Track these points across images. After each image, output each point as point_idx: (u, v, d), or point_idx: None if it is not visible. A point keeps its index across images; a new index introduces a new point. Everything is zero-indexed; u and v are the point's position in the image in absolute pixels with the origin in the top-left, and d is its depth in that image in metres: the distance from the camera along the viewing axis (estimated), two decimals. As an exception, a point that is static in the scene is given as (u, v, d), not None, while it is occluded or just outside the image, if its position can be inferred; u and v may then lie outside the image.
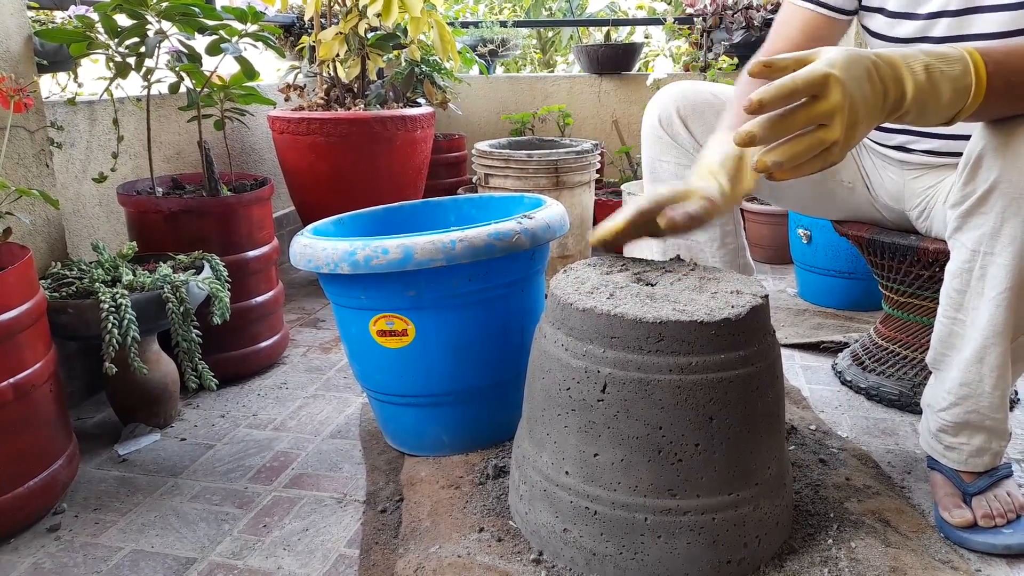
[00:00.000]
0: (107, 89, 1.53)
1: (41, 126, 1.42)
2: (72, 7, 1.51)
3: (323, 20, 2.28)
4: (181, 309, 1.31)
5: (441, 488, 1.18)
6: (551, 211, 1.25)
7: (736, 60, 2.88)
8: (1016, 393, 1.45)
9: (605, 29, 3.44)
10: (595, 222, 2.59)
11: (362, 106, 2.25)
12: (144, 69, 1.52)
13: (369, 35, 2.24)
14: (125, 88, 1.58)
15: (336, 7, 2.25)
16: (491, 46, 3.29)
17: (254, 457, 1.31)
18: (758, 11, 2.70)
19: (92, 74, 1.58)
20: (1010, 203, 0.88)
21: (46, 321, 1.15)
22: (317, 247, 1.15)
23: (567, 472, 0.96)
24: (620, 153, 2.85)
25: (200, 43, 1.57)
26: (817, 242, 1.98)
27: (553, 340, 0.97)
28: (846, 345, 1.70)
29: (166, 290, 1.30)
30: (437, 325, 1.19)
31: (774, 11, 2.70)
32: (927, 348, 1.40)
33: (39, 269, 1.40)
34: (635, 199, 0.99)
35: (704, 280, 1.00)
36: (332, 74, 2.30)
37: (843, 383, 1.55)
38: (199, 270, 1.41)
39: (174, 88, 1.63)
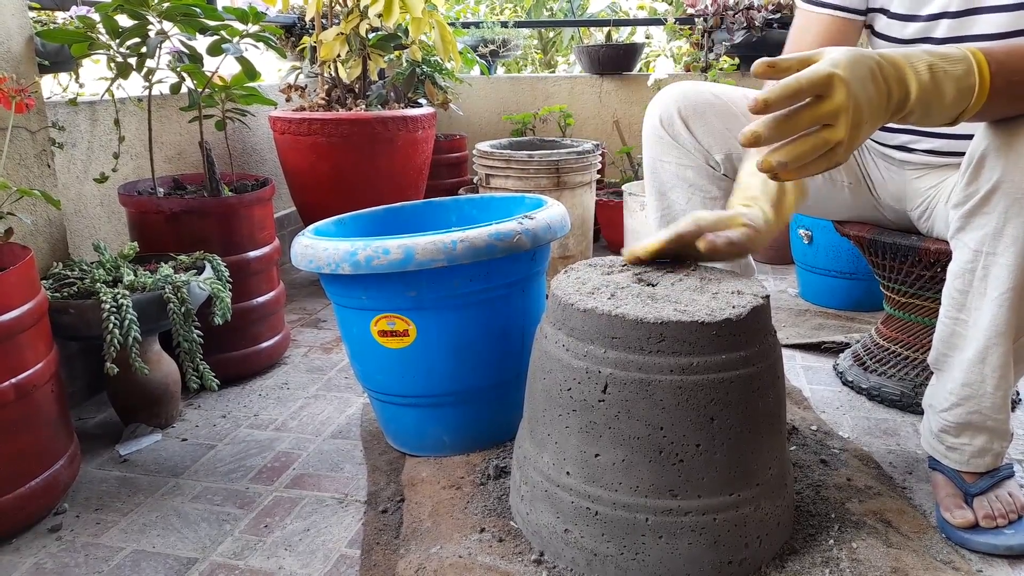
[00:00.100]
0: (108, 89, 1.53)
1: (42, 126, 1.42)
2: (73, 7, 1.52)
3: (324, 20, 2.28)
4: (182, 309, 1.31)
5: (442, 488, 1.18)
6: (552, 211, 1.25)
7: (737, 60, 2.88)
8: (1018, 394, 1.45)
9: (606, 29, 3.44)
10: (596, 223, 2.59)
11: (363, 106, 2.25)
12: (145, 69, 1.52)
13: (370, 35, 2.24)
14: (126, 88, 1.59)
15: (337, 7, 2.25)
16: (492, 46, 3.29)
17: (255, 457, 1.31)
18: (759, 11, 2.70)
19: (93, 74, 1.59)
20: (1012, 203, 0.88)
21: (47, 321, 1.15)
22: (318, 247, 1.15)
23: (568, 472, 0.96)
24: (621, 153, 2.85)
25: (201, 43, 1.57)
26: (818, 242, 1.98)
27: (554, 340, 0.97)
28: (847, 345, 1.70)
29: (167, 290, 1.30)
30: (438, 325, 1.19)
31: (775, 11, 2.70)
32: (928, 348, 1.40)
33: (40, 269, 1.40)
34: (676, 223, 0.97)
35: (705, 281, 1.00)
36: (333, 74, 2.30)
37: (844, 383, 1.55)
38: (200, 270, 1.41)
39: (175, 88, 1.63)
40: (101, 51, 1.46)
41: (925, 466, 1.21)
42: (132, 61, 1.49)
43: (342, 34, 2.16)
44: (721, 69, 2.79)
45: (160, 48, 1.51)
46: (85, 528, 1.12)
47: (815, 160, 0.77)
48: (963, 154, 1.19)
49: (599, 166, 2.28)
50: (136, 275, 1.34)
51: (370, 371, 1.26)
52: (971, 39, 1.10)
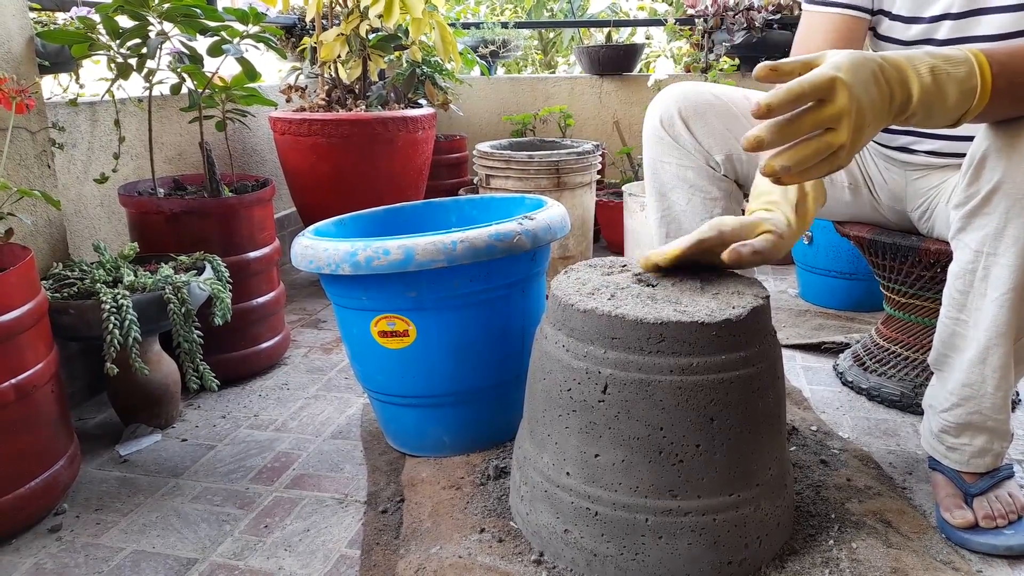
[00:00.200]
0: (109, 90, 1.54)
1: (43, 127, 1.42)
2: (74, 8, 1.52)
3: (324, 21, 2.28)
4: (182, 310, 1.32)
5: (442, 489, 1.18)
6: (552, 212, 1.25)
7: (737, 61, 2.88)
8: (1017, 394, 1.45)
9: (606, 30, 3.44)
10: (596, 223, 2.59)
11: (363, 107, 2.25)
12: (146, 70, 1.52)
13: (370, 36, 2.25)
14: (127, 89, 1.59)
15: (337, 8, 2.25)
16: (492, 47, 3.29)
17: (255, 458, 1.31)
18: (759, 12, 2.70)
19: (94, 75, 1.59)
20: (1014, 204, 0.88)
21: (47, 322, 1.15)
22: (318, 248, 1.15)
23: (568, 473, 0.96)
24: (621, 154, 2.85)
25: (202, 44, 1.58)
26: (818, 243, 1.98)
27: (554, 341, 0.97)
28: (847, 346, 1.70)
29: (167, 291, 1.30)
30: (438, 326, 1.19)
31: (775, 12, 2.70)
32: (928, 349, 1.40)
33: (40, 270, 1.40)
34: (698, 229, 0.95)
35: (705, 281, 1.00)
36: (333, 75, 2.30)
37: (844, 384, 1.55)
38: (200, 271, 1.42)
39: (176, 89, 1.63)
40: (101, 52, 1.46)
41: (925, 466, 1.21)
42: (132, 62, 1.50)
43: (342, 35, 2.16)
44: (721, 70, 2.79)
45: (160, 49, 1.51)
46: (85, 528, 1.12)
47: (818, 164, 0.77)
48: (964, 155, 1.19)
49: (599, 167, 2.28)
50: (136, 275, 1.34)
51: (370, 371, 1.26)
52: (973, 40, 1.10)
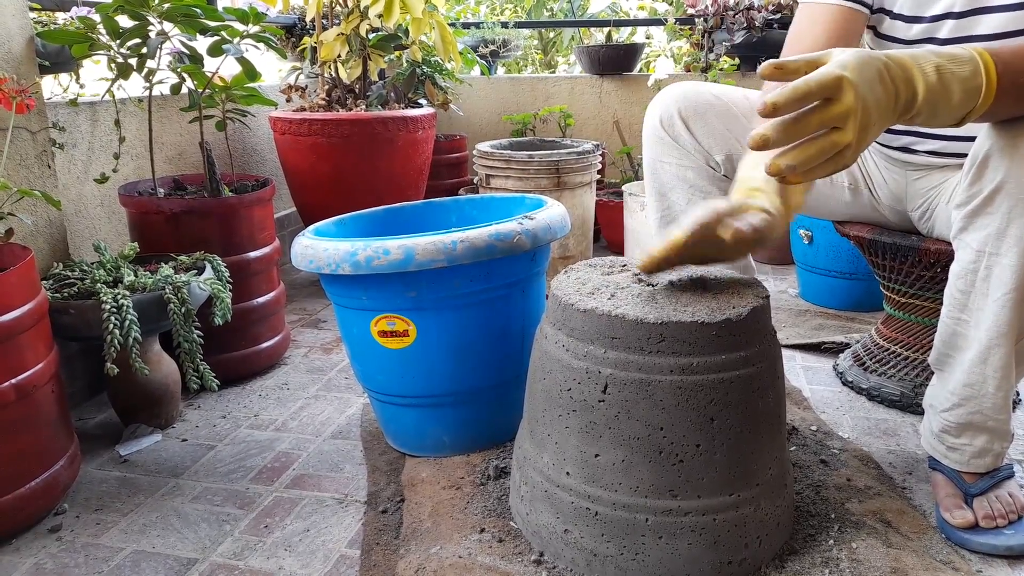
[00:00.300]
0: (109, 90, 1.54)
1: (43, 127, 1.42)
2: (74, 8, 1.52)
3: (324, 21, 2.28)
4: (183, 310, 1.32)
5: (442, 489, 1.18)
6: (552, 212, 1.25)
7: (737, 61, 2.88)
8: (1018, 394, 1.45)
9: (606, 30, 3.44)
10: (596, 223, 2.59)
11: (363, 107, 2.25)
12: (146, 70, 1.52)
13: (370, 36, 2.25)
14: (127, 89, 1.59)
15: (338, 8, 2.25)
16: (492, 47, 3.29)
17: (255, 458, 1.31)
18: (759, 12, 2.70)
19: (94, 75, 1.59)
20: (1016, 204, 0.88)
21: (48, 322, 1.15)
22: (318, 248, 1.15)
23: (568, 473, 0.96)
24: (621, 154, 2.85)
25: (202, 44, 1.58)
26: (818, 243, 1.98)
27: (554, 341, 0.97)
28: (847, 346, 1.70)
29: (167, 291, 1.30)
30: (438, 326, 1.19)
31: (775, 12, 2.70)
32: (928, 349, 1.40)
33: (41, 270, 1.40)
34: (692, 214, 0.87)
35: (705, 281, 1.00)
36: (333, 75, 2.30)
37: (844, 384, 1.55)
38: (200, 271, 1.42)
39: (176, 89, 1.63)
40: (102, 52, 1.46)
41: (925, 466, 1.21)
42: (132, 62, 1.50)
43: (342, 34, 2.16)
44: (721, 69, 2.79)
45: (160, 49, 1.51)
46: (85, 528, 1.12)
47: (823, 163, 0.76)
48: (965, 155, 1.18)
49: (599, 166, 2.28)
50: (136, 275, 1.34)
51: (370, 371, 1.26)
52: (974, 39, 1.09)
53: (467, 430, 1.28)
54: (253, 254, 1.60)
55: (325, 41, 2.16)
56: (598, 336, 0.91)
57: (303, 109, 2.22)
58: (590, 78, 3.06)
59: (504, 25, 3.41)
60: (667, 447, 0.90)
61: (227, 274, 1.45)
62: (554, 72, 5.07)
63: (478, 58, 3.10)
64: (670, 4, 3.35)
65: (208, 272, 1.42)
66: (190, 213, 1.52)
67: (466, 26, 3.40)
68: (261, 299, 1.63)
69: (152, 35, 1.48)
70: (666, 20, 3.04)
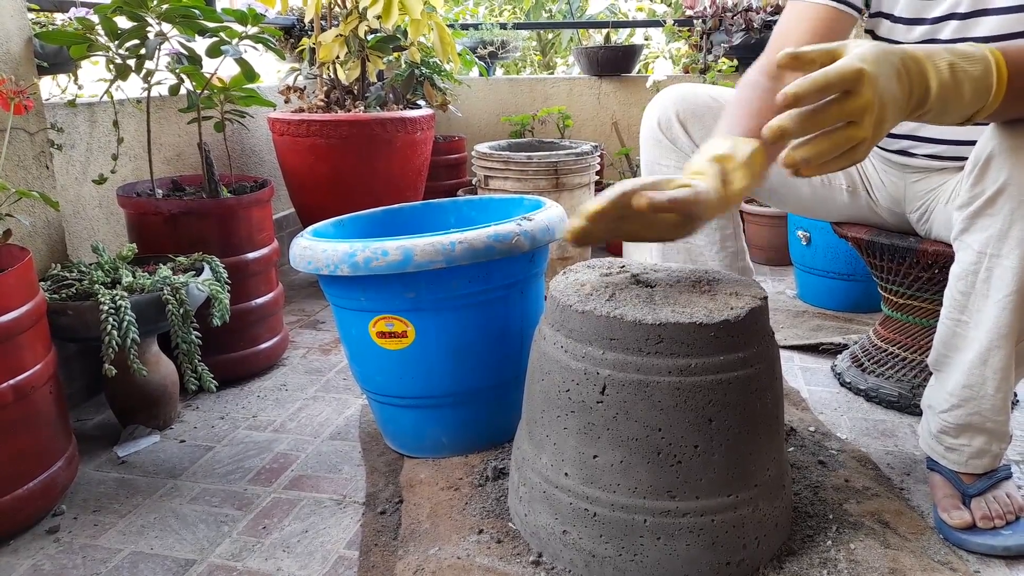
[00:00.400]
0: (107, 91, 1.53)
1: (41, 128, 1.42)
2: (72, 9, 1.52)
3: (323, 22, 2.28)
4: (181, 311, 1.31)
5: (440, 490, 1.18)
6: (551, 213, 1.25)
7: (736, 62, 2.88)
8: (1016, 395, 1.45)
9: (605, 31, 3.44)
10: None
11: (362, 108, 2.25)
12: (144, 71, 1.52)
13: (369, 37, 2.25)
14: (125, 90, 1.59)
15: (336, 9, 2.25)
16: (491, 48, 3.29)
17: (254, 459, 1.31)
18: (758, 13, 2.70)
19: (92, 76, 1.59)
20: (1018, 206, 0.88)
21: (46, 323, 1.15)
22: (317, 249, 1.15)
23: (566, 474, 0.96)
24: (620, 155, 2.85)
25: (200, 45, 1.57)
26: (816, 244, 1.98)
27: (552, 342, 0.97)
28: (845, 347, 1.71)
29: (166, 292, 1.30)
30: (437, 327, 1.19)
31: (774, 13, 2.70)
32: (926, 350, 1.41)
33: (39, 271, 1.40)
34: (617, 184, 0.86)
35: (703, 282, 1.00)
36: (332, 76, 2.30)
37: (842, 385, 1.55)
38: (199, 272, 1.41)
39: (174, 90, 1.63)
40: (100, 53, 1.46)
41: (923, 467, 1.21)
42: (131, 63, 1.49)
43: (341, 36, 2.16)
44: (720, 71, 2.79)
45: (159, 50, 1.51)
46: (83, 530, 1.12)
47: (836, 157, 0.75)
48: (963, 158, 1.18)
49: (598, 167, 2.28)
50: (135, 276, 1.34)
51: (369, 372, 1.26)
52: (975, 41, 1.09)
53: (466, 431, 1.28)
54: (251, 255, 1.60)
55: (324, 42, 2.16)
56: (596, 337, 0.91)
57: (302, 110, 2.22)
58: (589, 79, 3.06)
59: (503, 26, 3.41)
60: (665, 448, 0.90)
61: (225, 275, 1.45)
62: (552, 73, 5.08)
63: (476, 59, 3.10)
64: (668, 6, 3.35)
65: (206, 273, 1.42)
66: (188, 214, 1.52)
67: (465, 27, 3.40)
68: (259, 300, 1.63)
69: (150, 36, 1.48)
70: (664, 22, 3.04)
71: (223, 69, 1.65)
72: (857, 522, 1.07)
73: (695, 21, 2.86)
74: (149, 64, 1.51)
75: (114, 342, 1.21)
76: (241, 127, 2.08)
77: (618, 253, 2.49)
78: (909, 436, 1.34)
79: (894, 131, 1.24)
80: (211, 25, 1.51)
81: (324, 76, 2.32)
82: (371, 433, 1.39)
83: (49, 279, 1.36)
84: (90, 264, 1.44)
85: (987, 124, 0.91)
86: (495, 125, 3.18)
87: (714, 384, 0.89)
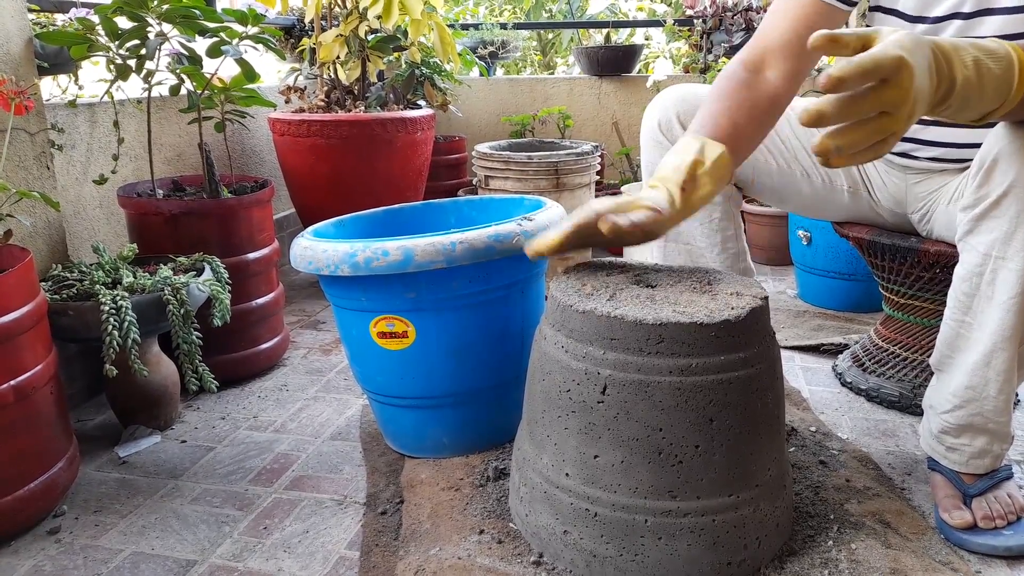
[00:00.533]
0: (108, 91, 1.53)
1: (42, 128, 1.42)
2: (73, 9, 1.52)
3: (323, 22, 2.28)
4: (182, 311, 1.31)
5: (441, 490, 1.18)
6: (551, 213, 1.25)
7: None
8: (1017, 395, 1.45)
9: (605, 31, 3.44)
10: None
11: (362, 108, 2.25)
12: (145, 71, 1.52)
13: (369, 37, 2.25)
14: (126, 90, 1.59)
15: (336, 9, 2.25)
16: (491, 48, 3.29)
17: (254, 459, 1.31)
18: (758, 13, 2.70)
19: (93, 76, 1.59)
20: None
21: (47, 323, 1.15)
22: (317, 249, 1.15)
23: (567, 474, 0.96)
24: (620, 155, 2.85)
25: (201, 45, 1.58)
26: (817, 243, 1.98)
27: (553, 342, 0.97)
28: (846, 347, 1.70)
29: (166, 292, 1.30)
30: (437, 327, 1.19)
31: (774, 13, 2.69)
32: (928, 350, 1.41)
33: (40, 271, 1.40)
34: (575, 212, 0.93)
35: (704, 282, 1.00)
36: (332, 76, 2.30)
37: (843, 384, 1.55)
38: (199, 272, 1.42)
39: (175, 90, 1.63)
40: (100, 53, 1.46)
41: (924, 467, 1.21)
42: (131, 63, 1.50)
43: (341, 36, 2.16)
44: (720, 71, 2.79)
45: (159, 50, 1.51)
46: (84, 530, 1.12)
47: (864, 149, 0.72)
48: (965, 160, 1.18)
49: (598, 167, 2.28)
50: (135, 277, 1.34)
51: (369, 373, 1.26)
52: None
53: (466, 431, 1.28)
54: (252, 255, 1.60)
55: (324, 42, 2.16)
56: (597, 337, 0.91)
57: (302, 110, 2.22)
58: (589, 79, 3.06)
59: (503, 26, 3.41)
60: (666, 448, 0.90)
61: (226, 275, 1.45)
62: (553, 73, 5.08)
63: (477, 59, 3.11)
64: (669, 5, 3.35)
65: (207, 273, 1.42)
66: (189, 214, 1.52)
67: (465, 27, 3.40)
68: (260, 300, 1.63)
69: (151, 36, 1.48)
70: (665, 21, 3.04)
71: (223, 69, 1.65)
72: (858, 522, 1.07)
73: (695, 21, 2.86)
74: (149, 64, 1.52)
75: (115, 342, 1.21)
76: (241, 127, 2.08)
77: (619, 253, 2.49)
78: (910, 436, 1.34)
79: None
80: (211, 25, 1.51)
81: (324, 76, 2.32)
82: (372, 433, 1.39)
83: (50, 279, 1.36)
84: (91, 264, 1.44)
85: (995, 124, 0.91)
86: (495, 125, 3.18)
87: (715, 384, 0.89)
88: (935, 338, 1.06)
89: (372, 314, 1.19)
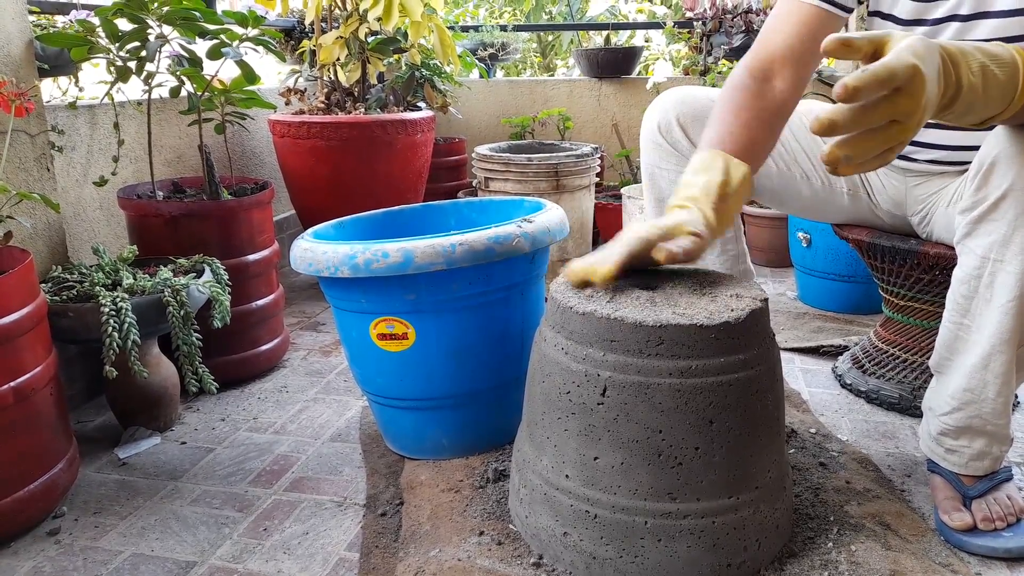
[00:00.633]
0: (108, 93, 1.54)
1: (42, 130, 1.42)
2: (73, 11, 1.52)
3: (324, 24, 2.29)
4: (181, 313, 1.32)
5: (441, 492, 1.18)
6: (551, 215, 1.25)
7: (735, 64, 2.88)
8: (1016, 397, 1.45)
9: (605, 33, 3.44)
10: (595, 226, 2.59)
11: (362, 110, 2.25)
12: (145, 73, 1.52)
13: (370, 39, 2.25)
14: (126, 92, 1.59)
15: (337, 11, 2.25)
16: (491, 50, 3.30)
17: (254, 460, 1.31)
18: (757, 15, 2.70)
19: (93, 78, 1.59)
20: (1022, 211, 0.88)
21: (47, 325, 1.15)
22: (317, 251, 1.15)
23: (567, 475, 0.96)
24: (620, 156, 2.86)
25: (201, 47, 1.58)
26: (817, 245, 1.98)
27: (553, 344, 0.97)
28: (846, 348, 1.70)
29: (166, 294, 1.30)
30: (437, 328, 1.19)
31: (774, 15, 2.70)
32: (927, 352, 1.41)
33: (40, 273, 1.40)
34: (621, 242, 0.92)
35: (704, 284, 1.00)
36: (332, 78, 2.31)
37: (843, 386, 1.55)
38: (199, 274, 1.42)
39: (175, 92, 1.63)
40: (101, 55, 1.46)
41: (924, 469, 1.21)
42: (132, 65, 1.50)
43: (341, 38, 2.16)
44: (720, 73, 2.79)
45: (160, 52, 1.51)
46: (84, 531, 1.12)
47: (872, 158, 0.72)
48: (964, 163, 1.18)
49: (598, 169, 2.29)
50: (135, 278, 1.34)
51: (369, 374, 1.26)
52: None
53: (466, 433, 1.28)
54: (252, 257, 1.60)
55: (324, 44, 2.16)
56: (597, 339, 0.91)
57: (302, 112, 2.22)
58: (589, 81, 3.06)
59: (503, 28, 3.41)
60: (666, 450, 0.90)
61: (226, 277, 1.45)
62: (553, 75, 5.08)
63: (477, 61, 3.11)
64: (669, 7, 3.35)
65: (207, 275, 1.42)
66: (189, 216, 1.52)
67: (465, 29, 3.40)
68: (260, 302, 1.63)
69: (151, 38, 1.48)
70: (665, 23, 3.04)
71: (224, 71, 1.66)
72: (858, 524, 1.07)
73: (695, 23, 2.87)
74: (150, 66, 1.52)
75: (115, 344, 1.21)
76: (242, 129, 2.08)
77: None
78: (910, 438, 1.34)
79: None
80: (212, 27, 1.52)
81: (324, 78, 2.33)
82: (372, 435, 1.39)
83: (50, 281, 1.36)
84: (91, 266, 1.44)
85: (993, 128, 0.91)
86: (495, 127, 3.18)
87: (715, 386, 0.89)
88: (935, 340, 1.06)
89: (372, 316, 1.19)
